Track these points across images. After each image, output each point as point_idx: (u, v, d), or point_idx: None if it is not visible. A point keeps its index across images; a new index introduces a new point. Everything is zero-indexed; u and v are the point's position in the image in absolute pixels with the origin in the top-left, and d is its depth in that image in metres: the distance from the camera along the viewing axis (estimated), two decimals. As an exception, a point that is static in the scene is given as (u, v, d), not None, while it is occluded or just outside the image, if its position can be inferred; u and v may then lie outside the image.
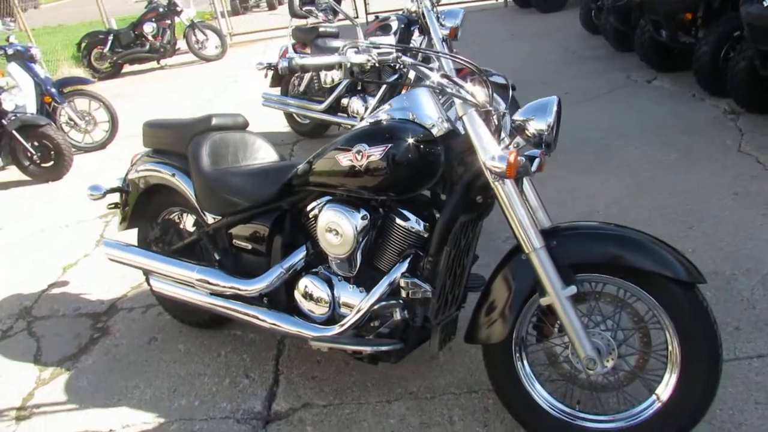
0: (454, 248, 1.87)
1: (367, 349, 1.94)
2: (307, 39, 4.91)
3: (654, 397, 1.75)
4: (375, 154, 1.84)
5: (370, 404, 2.18)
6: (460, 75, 3.83)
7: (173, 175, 2.47)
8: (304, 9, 2.05)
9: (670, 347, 1.71)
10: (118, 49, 9.66)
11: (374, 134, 1.88)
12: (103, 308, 3.09)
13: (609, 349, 1.76)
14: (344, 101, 4.62)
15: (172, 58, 10.12)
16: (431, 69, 1.75)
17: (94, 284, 3.32)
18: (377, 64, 1.68)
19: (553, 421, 1.83)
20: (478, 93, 1.76)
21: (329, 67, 1.66)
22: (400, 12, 4.45)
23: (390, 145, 1.83)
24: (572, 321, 1.70)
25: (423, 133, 1.85)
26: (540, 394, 1.87)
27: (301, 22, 5.28)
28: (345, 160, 1.91)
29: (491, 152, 1.69)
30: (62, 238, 4.02)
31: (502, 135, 1.89)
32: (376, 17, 4.53)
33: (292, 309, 2.21)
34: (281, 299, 2.23)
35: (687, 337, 1.66)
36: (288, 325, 2.14)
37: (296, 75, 4.99)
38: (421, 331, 1.99)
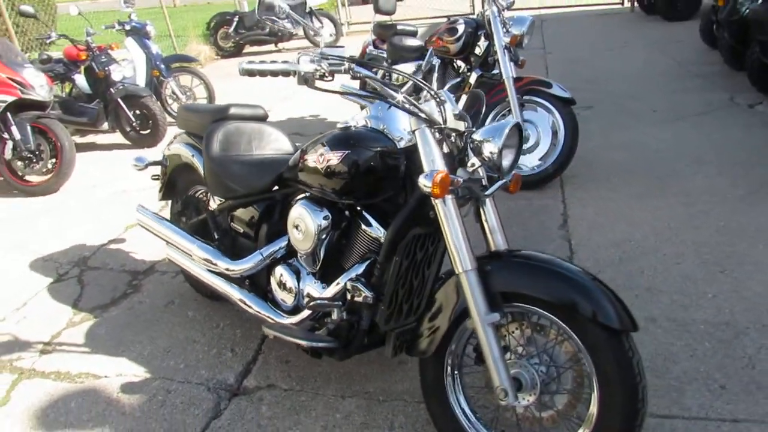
0: (407, 259, 1.89)
1: (303, 343, 2.02)
2: (385, 35, 5.00)
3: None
4: (333, 158, 1.91)
5: (325, 396, 2.27)
6: (518, 85, 3.75)
7: (193, 156, 2.68)
8: (263, 17, 2.10)
9: (591, 398, 1.63)
10: (242, 31, 10.33)
11: (339, 139, 1.95)
12: (144, 268, 3.42)
13: (532, 384, 1.71)
14: (410, 99, 4.67)
15: (288, 42, 10.64)
16: (386, 85, 1.77)
17: (144, 245, 3.67)
18: (327, 74, 1.74)
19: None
20: (434, 111, 1.77)
21: (285, 73, 1.75)
22: (473, 15, 4.40)
23: (348, 152, 1.89)
24: (491, 348, 1.67)
25: (386, 144, 1.89)
26: (466, 415, 1.85)
27: (384, 18, 5.37)
28: (311, 161, 2.00)
29: (427, 170, 1.70)
30: (135, 200, 4.44)
31: (470, 154, 1.87)
32: (448, 18, 4.51)
33: (268, 295, 2.35)
34: (261, 284, 2.37)
35: (605, 388, 1.58)
36: (256, 308, 2.28)
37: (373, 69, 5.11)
38: (372, 335, 2.04)
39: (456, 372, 1.88)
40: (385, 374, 2.34)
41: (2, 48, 4.72)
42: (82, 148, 5.78)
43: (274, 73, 1.77)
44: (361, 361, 2.39)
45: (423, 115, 1.75)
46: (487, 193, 1.81)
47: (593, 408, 1.62)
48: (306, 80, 1.75)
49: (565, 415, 1.72)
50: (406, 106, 1.75)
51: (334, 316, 1.96)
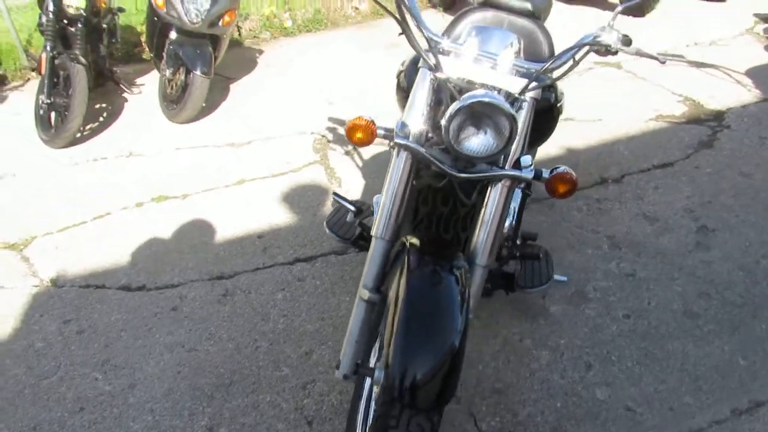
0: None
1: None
2: None
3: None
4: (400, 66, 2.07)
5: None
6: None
7: None
8: None
9: None
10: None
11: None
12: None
13: (377, 381, 1.58)
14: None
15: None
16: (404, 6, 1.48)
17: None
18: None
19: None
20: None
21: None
22: None
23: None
24: (352, 321, 1.66)
25: None
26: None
27: None
28: None
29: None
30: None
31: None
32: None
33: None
34: None
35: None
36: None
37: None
38: None
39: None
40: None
41: None
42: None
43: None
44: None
45: (426, 58, 1.48)
46: (457, 173, 1.45)
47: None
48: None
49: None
50: (411, 40, 1.44)
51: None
